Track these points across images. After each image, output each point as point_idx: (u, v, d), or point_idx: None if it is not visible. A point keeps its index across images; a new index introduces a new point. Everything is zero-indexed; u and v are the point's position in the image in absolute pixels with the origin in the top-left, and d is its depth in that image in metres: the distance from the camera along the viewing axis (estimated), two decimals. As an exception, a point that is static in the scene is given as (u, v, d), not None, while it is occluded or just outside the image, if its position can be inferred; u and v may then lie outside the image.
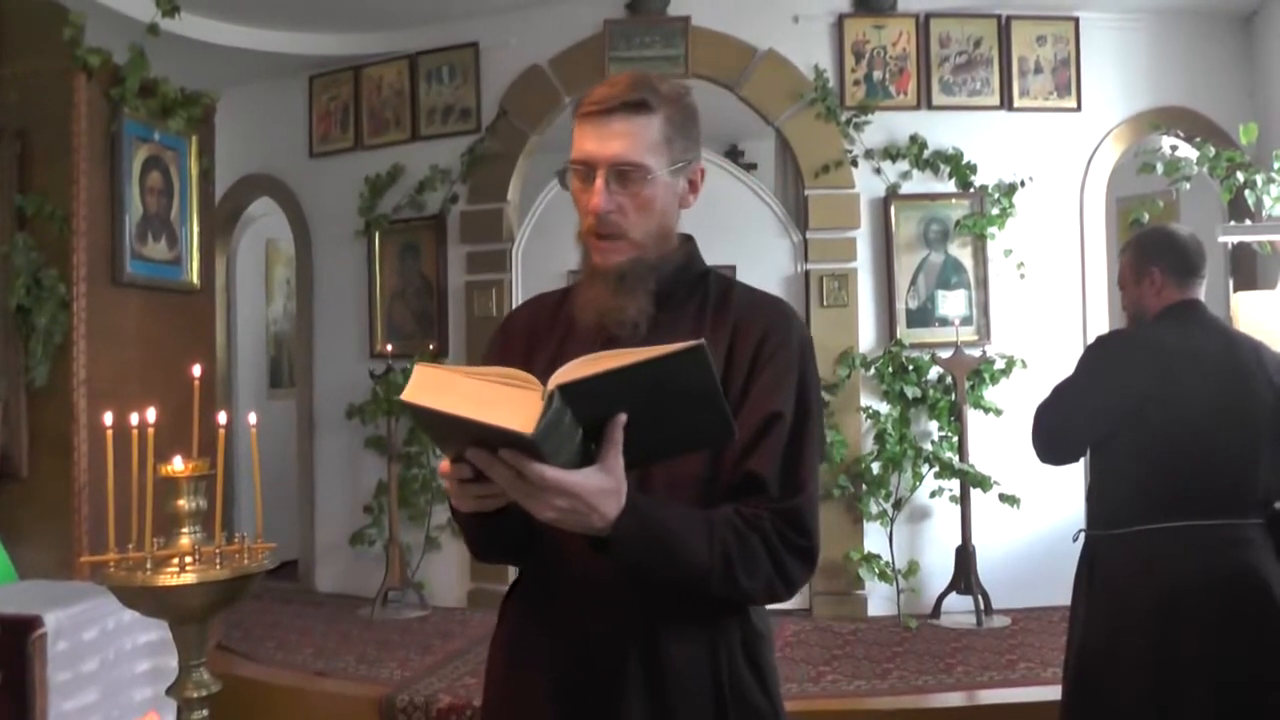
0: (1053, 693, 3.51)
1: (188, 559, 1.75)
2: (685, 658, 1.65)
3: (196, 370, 2.00)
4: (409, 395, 1.37)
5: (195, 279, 5.47)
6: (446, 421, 1.37)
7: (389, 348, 7.17)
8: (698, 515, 1.58)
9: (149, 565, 1.74)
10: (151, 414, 1.80)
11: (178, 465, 1.80)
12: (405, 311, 7.44)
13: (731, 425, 1.49)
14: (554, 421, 1.34)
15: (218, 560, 1.76)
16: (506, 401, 1.34)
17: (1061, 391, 3.18)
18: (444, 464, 1.49)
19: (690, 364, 1.38)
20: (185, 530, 1.81)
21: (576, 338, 1.72)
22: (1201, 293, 3.16)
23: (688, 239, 1.85)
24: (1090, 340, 3.42)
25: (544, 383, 1.36)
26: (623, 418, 1.42)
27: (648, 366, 1.36)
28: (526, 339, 1.83)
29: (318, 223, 7.82)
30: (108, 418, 1.84)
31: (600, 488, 1.44)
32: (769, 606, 1.74)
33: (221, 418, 1.84)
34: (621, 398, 1.40)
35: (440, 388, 1.37)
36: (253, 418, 1.92)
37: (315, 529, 7.71)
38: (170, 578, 1.72)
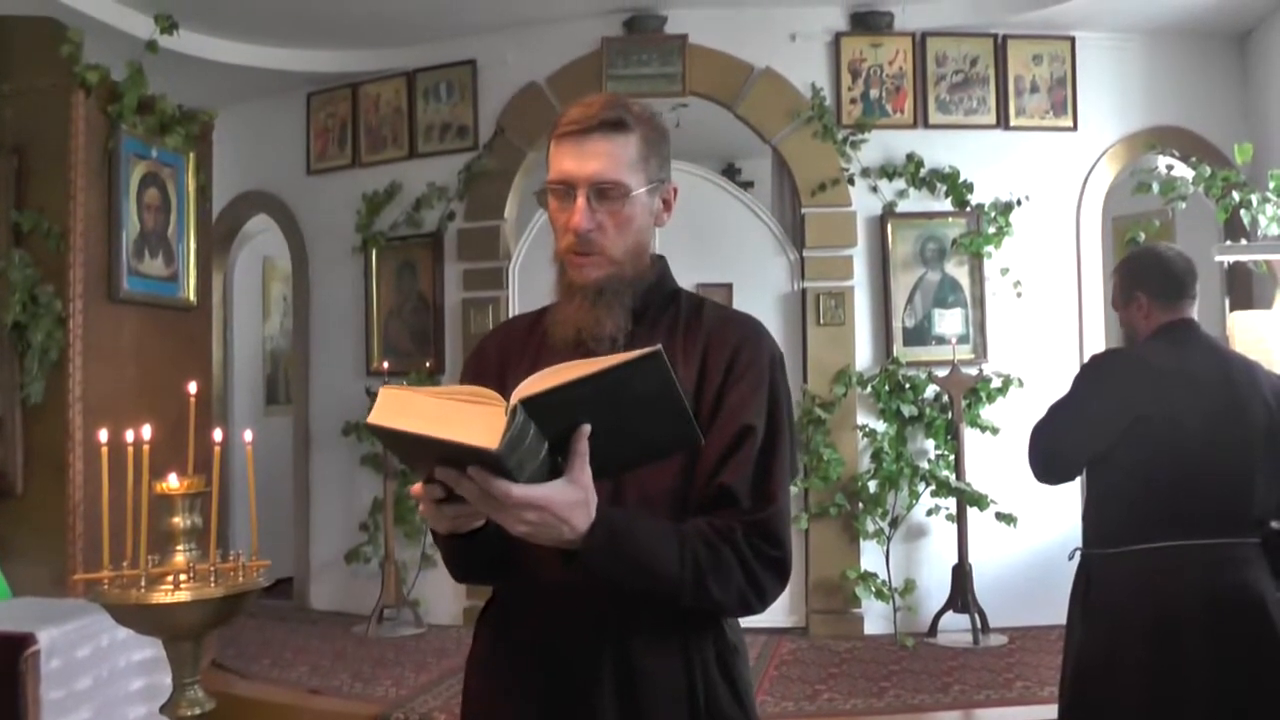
0: (1050, 712, 3.50)
1: (182, 577, 1.75)
2: (659, 670, 1.66)
3: (192, 387, 2.00)
4: (375, 418, 1.38)
5: (192, 296, 5.47)
6: (413, 442, 1.38)
7: (385, 365, 7.17)
8: (669, 527, 1.59)
9: (143, 583, 1.74)
10: (147, 431, 1.80)
11: (173, 482, 1.80)
12: (402, 329, 7.44)
13: (696, 430, 1.50)
14: (518, 435, 1.35)
15: (212, 578, 1.76)
16: (470, 418, 1.35)
17: (1056, 411, 3.18)
18: (416, 486, 1.50)
19: (649, 370, 1.39)
20: (180, 548, 1.81)
21: (551, 355, 1.72)
22: (1193, 311, 3.16)
23: (660, 258, 1.86)
24: (1086, 359, 3.42)
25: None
26: (587, 428, 1.43)
27: (607, 375, 1.37)
28: (499, 360, 1.85)
29: (315, 240, 7.83)
30: (103, 434, 1.84)
31: (569, 499, 1.45)
32: (757, 623, 1.75)
33: (217, 435, 1.84)
34: (584, 408, 1.41)
35: (405, 409, 1.38)
36: (249, 435, 1.92)
37: (311, 546, 7.69)
38: (164, 595, 1.72)
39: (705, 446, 1.62)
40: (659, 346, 1.39)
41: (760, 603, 1.66)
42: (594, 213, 1.71)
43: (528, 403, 1.35)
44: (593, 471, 1.47)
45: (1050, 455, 3.16)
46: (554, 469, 1.46)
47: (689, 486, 1.66)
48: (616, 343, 1.71)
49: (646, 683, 1.65)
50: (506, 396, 1.37)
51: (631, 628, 1.65)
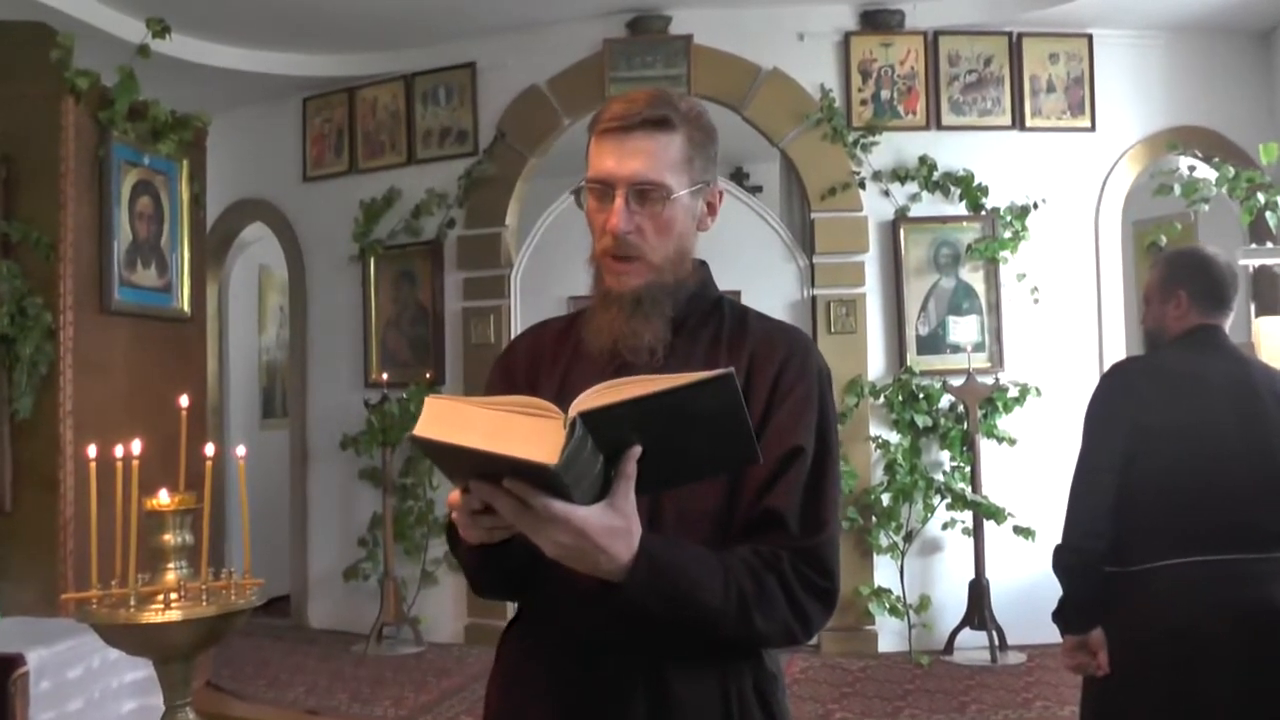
0: (1070, 732, 3.50)
1: (173, 595, 1.75)
2: (695, 698, 1.62)
3: (184, 401, 2.00)
4: (422, 430, 1.35)
5: (186, 306, 5.48)
6: (462, 455, 1.35)
7: (384, 376, 7.18)
8: (712, 557, 1.55)
9: (133, 602, 1.74)
10: (137, 446, 1.80)
11: (163, 499, 1.80)
12: (401, 339, 7.45)
13: (757, 450, 1.46)
14: (576, 450, 1.33)
15: (204, 597, 1.76)
16: (527, 431, 1.32)
17: (1078, 478, 3.09)
18: (453, 495, 1.46)
19: (719, 392, 1.36)
20: (171, 566, 1.81)
21: (584, 364, 1.70)
22: (1228, 322, 3.13)
23: (702, 264, 1.83)
24: (1106, 367, 3.39)
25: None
26: (637, 451, 1.40)
27: (674, 394, 1.35)
28: (529, 367, 1.81)
29: (311, 248, 7.85)
30: (91, 450, 1.84)
31: (608, 526, 1.41)
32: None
33: (208, 450, 1.85)
34: (644, 425, 1.39)
35: (454, 420, 1.35)
36: (241, 450, 1.92)
37: (308, 563, 7.70)
38: (155, 615, 1.72)
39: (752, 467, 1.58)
40: (731, 370, 1.35)
41: (805, 635, 1.62)
42: (633, 215, 1.67)
43: (587, 416, 1.32)
44: (643, 487, 1.44)
45: (1092, 529, 3.04)
46: (608, 485, 1.43)
47: (731, 508, 1.62)
48: (655, 354, 1.68)
49: (681, 711, 1.61)
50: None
51: (665, 654, 1.61)
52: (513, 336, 1.99)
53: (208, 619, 1.73)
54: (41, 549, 4.64)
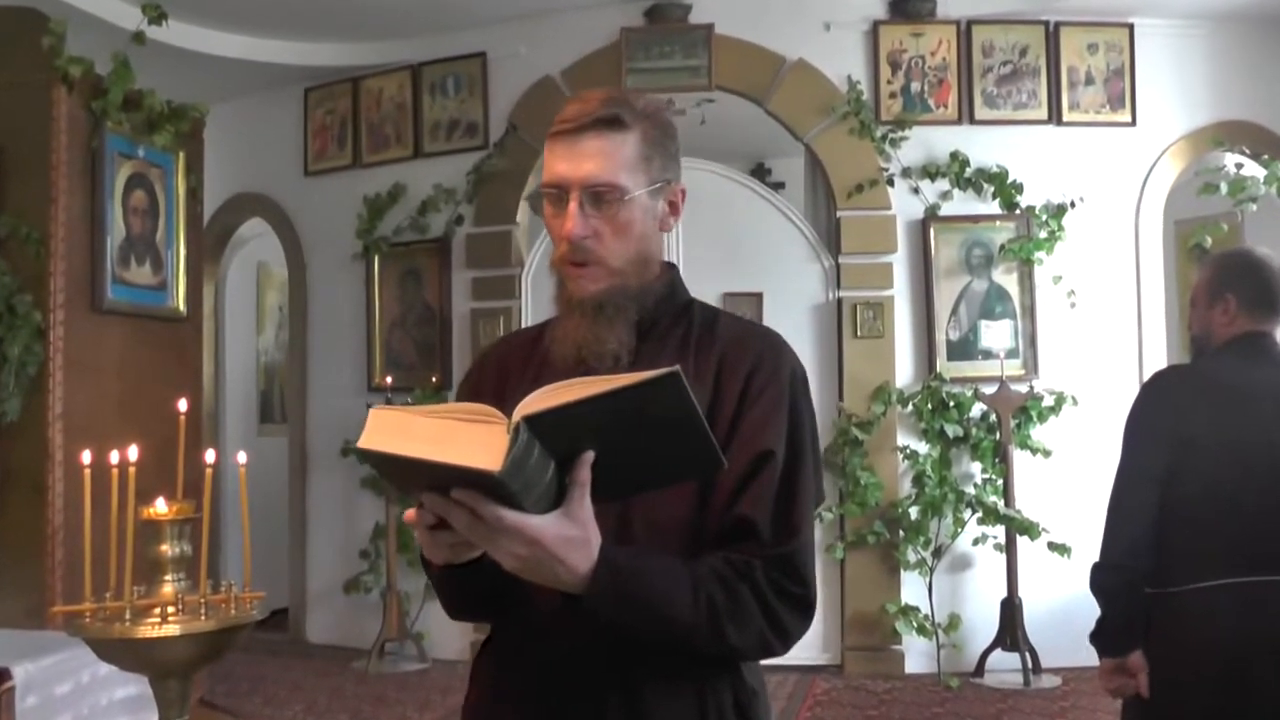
0: (1108, 759, 3.48)
1: (170, 609, 1.75)
2: (670, 717, 1.64)
3: (183, 405, 2.01)
4: (366, 441, 1.37)
5: (181, 306, 5.49)
6: (409, 466, 1.37)
7: (389, 380, 7.19)
8: (679, 566, 1.57)
9: (128, 616, 1.74)
10: (133, 452, 1.81)
11: (161, 508, 1.80)
12: (406, 341, 7.46)
13: (718, 454, 1.48)
14: (522, 456, 1.34)
15: (203, 611, 1.76)
16: (469, 438, 1.33)
17: (1117, 491, 3.08)
18: (409, 512, 1.49)
19: (666, 392, 1.37)
20: (168, 578, 1.81)
21: (551, 374, 1.68)
22: (1278, 329, 3.11)
23: (670, 266, 1.85)
24: (1146, 376, 3.37)
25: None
26: (589, 457, 1.41)
27: (620, 395, 1.36)
28: (498, 377, 1.83)
29: (313, 246, 7.87)
30: (86, 456, 1.84)
31: (563, 535, 1.43)
32: (788, 661, 1.73)
33: (209, 456, 1.85)
34: (594, 429, 1.40)
35: (399, 431, 1.36)
36: (242, 456, 1.92)
37: (307, 575, 7.72)
38: (151, 629, 1.72)
39: (722, 473, 1.59)
40: (677, 367, 1.37)
41: (783, 645, 1.64)
42: (589, 219, 1.69)
43: (532, 420, 1.34)
44: (601, 495, 1.45)
45: (1133, 549, 3.02)
46: (562, 493, 1.44)
47: (703, 516, 1.64)
48: (620, 360, 1.70)
49: None
50: (507, 415, 1.36)
51: (640, 670, 1.63)
52: (485, 348, 2.01)
53: (207, 634, 1.73)
54: (28, 558, 4.65)
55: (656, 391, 1.37)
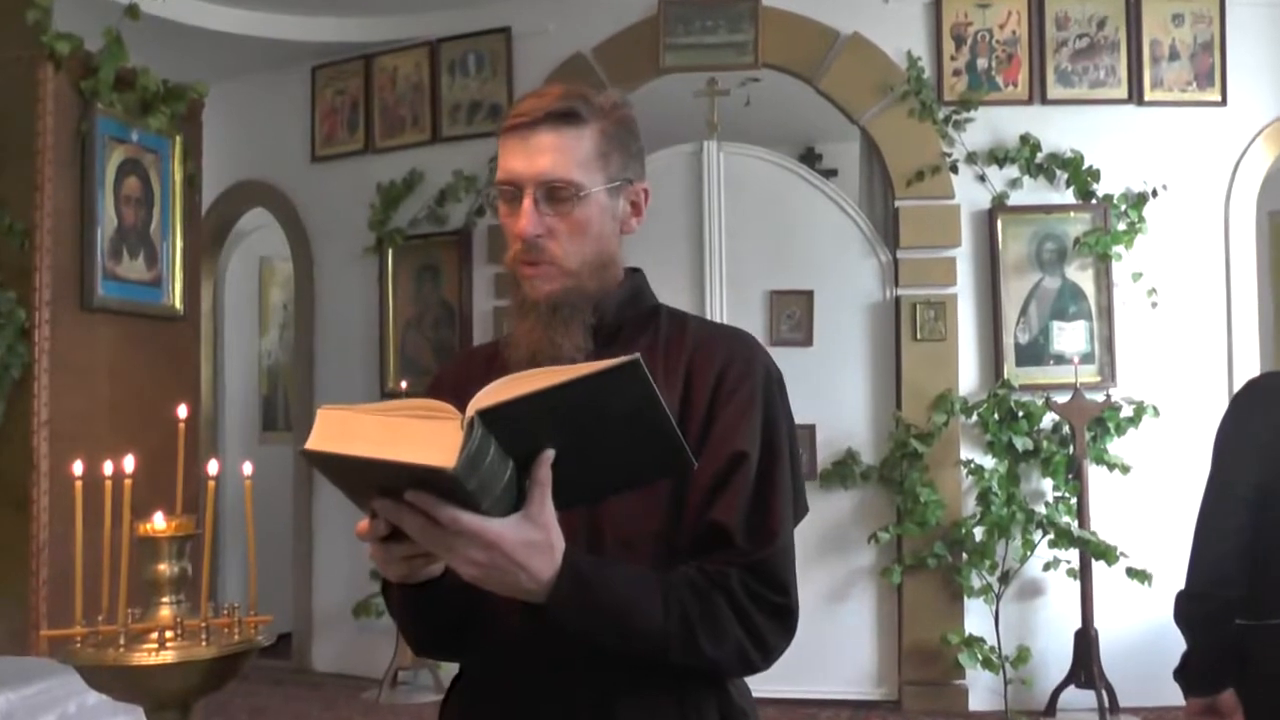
0: (1194, 809, 3.44)
1: (168, 634, 1.76)
2: None
3: (182, 411, 2.01)
4: (312, 443, 1.38)
5: (177, 303, 5.53)
6: (358, 468, 1.38)
7: (403, 385, 7.20)
8: (649, 575, 1.61)
9: (122, 641, 1.74)
10: (129, 462, 1.81)
11: (158, 523, 1.81)
12: (422, 342, 7.48)
13: (686, 451, 1.51)
14: (477, 453, 1.35)
15: (204, 636, 1.76)
16: (421, 435, 1.35)
17: (1205, 512, 3.05)
18: (361, 524, 1.51)
19: (627, 381, 1.40)
20: (166, 599, 1.82)
21: None
22: None
23: (635, 271, 1.90)
24: (1239, 385, 3.34)
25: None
26: (549, 454, 1.44)
27: (578, 385, 1.38)
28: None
29: (320, 238, 7.90)
30: (78, 467, 1.85)
31: (524, 539, 1.45)
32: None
33: (211, 467, 1.85)
34: (553, 424, 1.42)
35: (347, 431, 1.38)
36: (248, 467, 1.93)
37: (313, 597, 7.74)
38: (147, 656, 1.72)
39: (693, 478, 1.65)
40: (637, 355, 1.39)
41: (764, 659, 1.67)
42: (543, 217, 1.75)
43: (486, 414, 1.35)
44: (565, 499, 1.48)
45: (1218, 580, 2.98)
46: (524, 497, 1.46)
47: (677, 525, 1.68)
48: (577, 364, 1.73)
49: None
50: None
51: (616, 694, 1.65)
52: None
53: (208, 661, 1.74)
54: (11, 578, 4.68)
55: (617, 381, 1.40)
